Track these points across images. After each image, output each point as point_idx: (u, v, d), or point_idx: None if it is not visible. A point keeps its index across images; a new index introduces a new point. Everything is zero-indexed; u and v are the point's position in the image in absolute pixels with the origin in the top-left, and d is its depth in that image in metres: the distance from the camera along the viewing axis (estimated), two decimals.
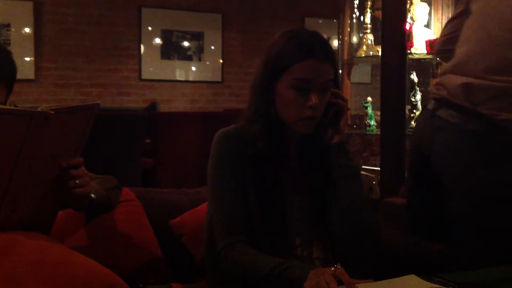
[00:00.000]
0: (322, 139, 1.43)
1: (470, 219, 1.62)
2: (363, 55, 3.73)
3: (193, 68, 6.73)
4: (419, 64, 3.48)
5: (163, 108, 6.23)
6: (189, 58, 6.67)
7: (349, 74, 3.85)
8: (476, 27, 1.67)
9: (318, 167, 1.44)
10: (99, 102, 1.36)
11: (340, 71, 3.80)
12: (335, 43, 4.56)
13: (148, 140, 3.86)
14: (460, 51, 1.69)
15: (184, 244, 1.74)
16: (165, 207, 1.83)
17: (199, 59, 6.72)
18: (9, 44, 5.63)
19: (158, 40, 6.51)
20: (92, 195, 1.40)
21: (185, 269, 1.73)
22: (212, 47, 6.77)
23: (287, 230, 1.38)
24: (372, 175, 3.29)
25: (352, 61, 3.85)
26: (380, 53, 3.05)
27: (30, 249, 1.18)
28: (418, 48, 3.36)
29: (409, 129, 3.21)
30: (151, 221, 1.73)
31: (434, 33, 3.44)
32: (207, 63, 6.77)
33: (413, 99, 3.36)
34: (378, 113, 3.11)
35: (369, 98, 3.61)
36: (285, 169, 1.42)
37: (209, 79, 6.78)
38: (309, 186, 1.44)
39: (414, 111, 3.38)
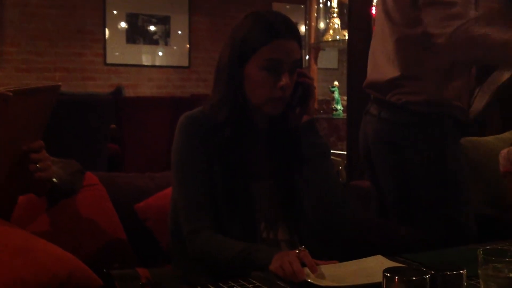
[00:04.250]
0: (290, 119, 1.42)
1: (403, 200, 1.78)
2: (330, 40, 3.74)
3: (160, 53, 6.64)
4: None
5: (129, 93, 6.14)
6: (155, 43, 6.58)
7: (316, 59, 3.86)
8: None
9: (285, 148, 1.43)
10: (60, 83, 1.32)
11: (308, 57, 3.80)
12: (302, 28, 4.55)
13: (113, 126, 3.79)
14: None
15: (150, 229, 1.72)
16: (129, 192, 1.80)
17: (166, 44, 6.64)
18: None
19: (123, 24, 6.40)
20: (54, 179, 1.37)
21: (151, 254, 1.72)
22: (179, 32, 6.69)
23: (253, 214, 1.38)
24: (339, 159, 3.32)
25: (319, 46, 3.86)
26: (346, 38, 3.06)
27: None
28: None
29: None
30: (115, 206, 1.70)
31: None
32: (174, 47, 6.69)
33: None
34: (345, 98, 3.13)
35: (336, 83, 3.63)
36: (251, 153, 1.41)
37: (175, 64, 6.71)
38: (274, 168, 1.43)
39: None
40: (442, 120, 1.73)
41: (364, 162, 1.96)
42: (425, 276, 0.84)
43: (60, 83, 1.31)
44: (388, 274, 0.85)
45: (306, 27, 3.97)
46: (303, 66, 3.84)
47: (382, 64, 1.81)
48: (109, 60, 6.34)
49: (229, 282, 1.11)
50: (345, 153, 3.08)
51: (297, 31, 1.37)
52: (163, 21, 6.59)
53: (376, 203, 1.93)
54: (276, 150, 1.44)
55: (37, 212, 1.56)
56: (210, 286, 1.09)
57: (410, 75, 1.73)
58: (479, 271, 0.92)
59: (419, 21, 1.67)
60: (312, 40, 3.85)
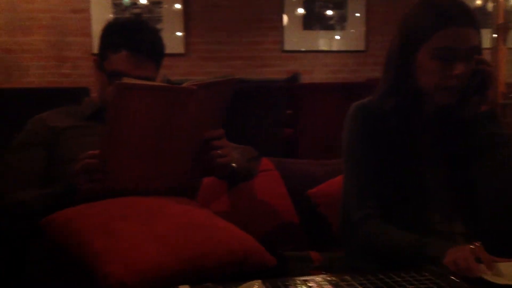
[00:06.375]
0: (464, 108, 1.34)
1: None
2: None
3: (337, 37, 6.63)
4: None
5: (305, 79, 6.24)
6: (331, 28, 6.58)
7: (504, 40, 3.56)
8: None
9: (460, 138, 1.36)
10: (237, 77, 1.41)
11: (496, 36, 3.52)
12: (489, 6, 4.22)
13: (289, 111, 3.90)
14: None
15: (322, 214, 1.76)
16: (302, 177, 1.85)
17: (342, 28, 6.61)
18: (161, 20, 5.99)
19: (300, 10, 6.51)
20: (234, 165, 1.47)
21: (322, 239, 1.75)
22: (356, 15, 6.61)
23: (425, 205, 1.34)
24: None
25: (508, 25, 3.54)
26: None
27: (177, 212, 1.28)
28: None
29: None
30: (288, 191, 1.77)
31: None
32: (350, 31, 6.63)
33: None
34: None
35: None
36: (422, 142, 1.37)
37: (352, 48, 6.65)
38: (449, 158, 1.37)
39: None
40: None
41: None
42: None
43: (237, 77, 1.40)
44: None
45: (494, 5, 3.67)
46: (490, 46, 3.57)
47: None
48: (287, 47, 6.50)
49: (401, 273, 1.09)
50: None
51: (473, 16, 1.29)
52: (339, 5, 6.57)
53: None
54: (450, 139, 1.38)
55: (218, 193, 1.69)
56: (380, 275, 1.08)
57: None
58: None
59: None
60: (500, 20, 3.55)
